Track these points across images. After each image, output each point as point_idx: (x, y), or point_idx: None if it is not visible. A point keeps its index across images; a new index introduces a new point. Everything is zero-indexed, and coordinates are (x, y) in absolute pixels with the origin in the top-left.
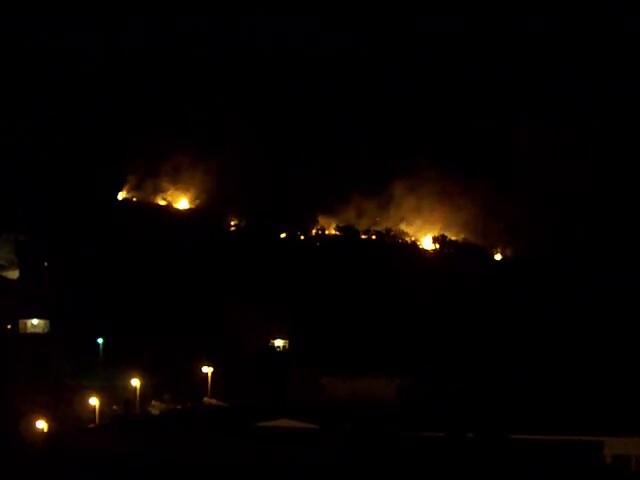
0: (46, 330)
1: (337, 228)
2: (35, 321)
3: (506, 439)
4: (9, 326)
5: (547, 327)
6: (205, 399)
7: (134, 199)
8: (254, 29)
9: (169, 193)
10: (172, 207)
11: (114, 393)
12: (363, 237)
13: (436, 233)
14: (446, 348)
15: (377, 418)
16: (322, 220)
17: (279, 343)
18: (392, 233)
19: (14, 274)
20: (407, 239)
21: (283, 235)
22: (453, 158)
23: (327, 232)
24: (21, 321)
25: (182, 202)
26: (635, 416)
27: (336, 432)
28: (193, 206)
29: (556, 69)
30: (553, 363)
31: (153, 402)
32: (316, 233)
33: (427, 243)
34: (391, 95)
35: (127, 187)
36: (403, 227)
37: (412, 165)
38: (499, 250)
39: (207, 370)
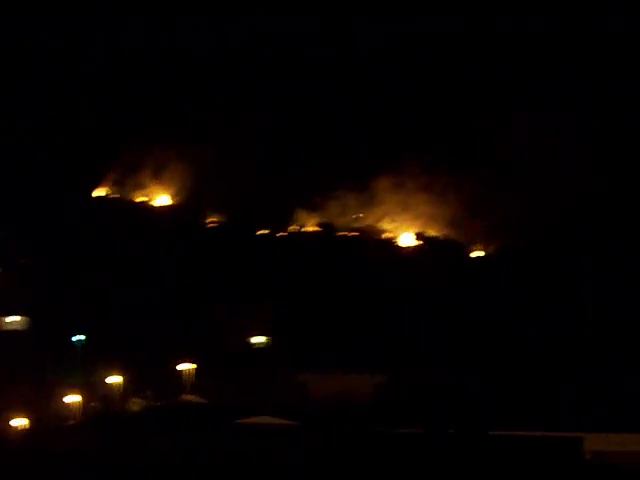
0: (25, 327)
1: (317, 225)
2: (14, 318)
3: (485, 435)
4: None
5: (524, 324)
6: (185, 396)
7: (114, 196)
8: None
9: (149, 190)
10: (151, 204)
11: (94, 390)
12: (342, 234)
13: (418, 230)
14: (424, 345)
15: (357, 415)
16: (303, 217)
17: (260, 340)
18: (372, 230)
19: None
20: (387, 236)
21: (263, 232)
22: (439, 155)
23: (307, 229)
24: (0, 318)
25: (162, 199)
26: (614, 412)
27: (317, 429)
28: (174, 203)
29: (547, 68)
30: (532, 359)
31: (133, 399)
32: (296, 230)
33: (408, 240)
34: (375, 91)
35: (107, 184)
36: (385, 224)
37: (397, 161)
38: (479, 247)
39: (188, 367)
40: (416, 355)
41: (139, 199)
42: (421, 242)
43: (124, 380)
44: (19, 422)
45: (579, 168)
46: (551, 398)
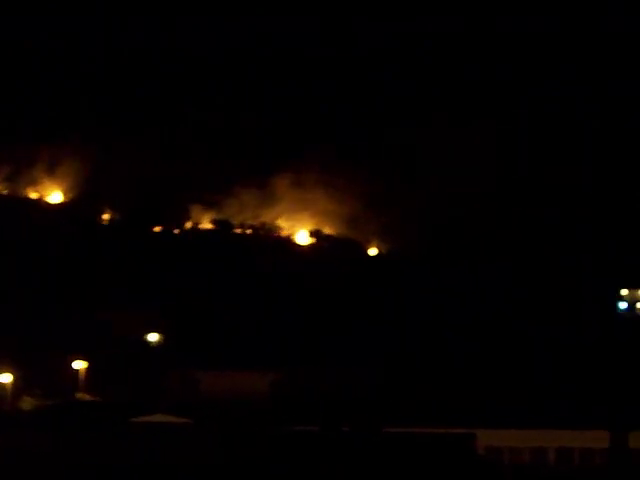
0: None
1: (212, 222)
2: None
3: (379, 432)
4: None
5: (418, 320)
6: (78, 394)
7: (4, 192)
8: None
9: (41, 186)
10: (44, 201)
11: None
12: (238, 231)
13: (314, 227)
14: (318, 342)
15: (250, 412)
16: (199, 214)
17: (153, 338)
18: (267, 227)
19: None
20: (283, 233)
21: (158, 229)
22: (337, 152)
23: (202, 226)
24: None
25: (55, 195)
26: (507, 408)
27: (211, 427)
28: (67, 199)
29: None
30: (426, 356)
31: (24, 397)
32: (191, 227)
33: (303, 237)
34: (277, 90)
35: None
36: (282, 221)
37: (295, 159)
38: (374, 245)
39: (80, 365)
40: (311, 353)
41: (31, 195)
42: (316, 240)
43: (15, 378)
44: None
45: (479, 169)
46: (444, 394)
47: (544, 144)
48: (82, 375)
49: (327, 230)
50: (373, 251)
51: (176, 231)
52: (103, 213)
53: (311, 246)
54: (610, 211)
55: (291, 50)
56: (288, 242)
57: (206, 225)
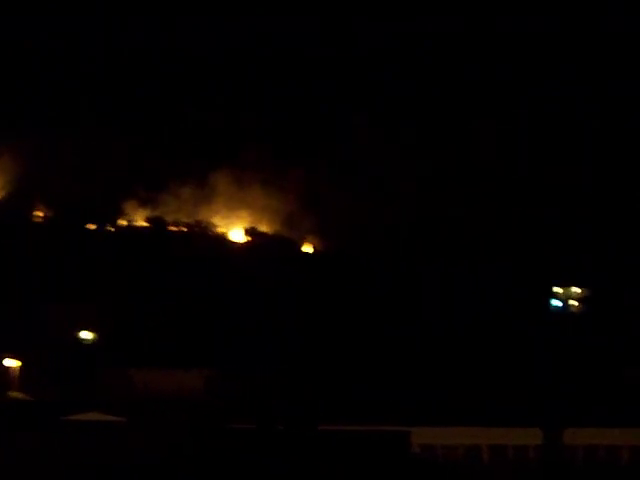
0: None
1: (146, 219)
2: None
3: (314, 430)
4: None
5: (352, 320)
6: (11, 393)
7: None
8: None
9: None
10: None
11: None
12: (173, 229)
13: (250, 225)
14: (254, 340)
15: (185, 410)
16: (133, 210)
17: (87, 336)
18: (202, 224)
19: None
20: (219, 231)
21: (91, 226)
22: (275, 150)
23: (137, 223)
24: None
25: None
26: (441, 405)
27: (144, 425)
28: None
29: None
30: (360, 354)
31: None
32: (125, 224)
33: (238, 235)
34: (220, 85)
35: None
36: (218, 218)
37: (234, 155)
38: (310, 243)
39: (13, 364)
40: (246, 351)
41: None
42: (251, 237)
43: None
44: None
45: (416, 166)
46: (379, 392)
47: (479, 141)
48: (15, 374)
49: (263, 228)
50: (308, 249)
51: (110, 228)
52: (36, 210)
53: (246, 244)
54: (541, 209)
55: (224, 46)
56: (223, 240)
57: (141, 222)
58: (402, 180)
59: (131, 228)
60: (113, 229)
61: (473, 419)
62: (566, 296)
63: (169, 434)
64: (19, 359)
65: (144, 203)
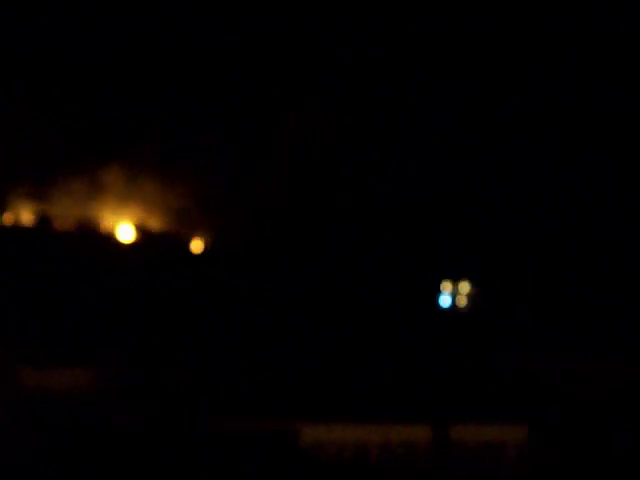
0: None
1: (32, 214)
2: None
3: (202, 428)
4: None
5: (243, 319)
6: None
7: None
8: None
9: None
10: None
11: None
12: (58, 225)
13: (140, 221)
14: (143, 339)
15: (74, 408)
16: (18, 205)
17: None
18: (91, 221)
19: None
20: (107, 227)
21: None
22: (169, 145)
23: (21, 219)
24: None
25: None
26: (332, 402)
27: (31, 424)
28: None
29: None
30: (247, 353)
31: None
32: (9, 220)
33: (127, 232)
34: (109, 78)
35: None
36: (108, 214)
37: (126, 149)
38: (203, 241)
39: None
40: (137, 350)
41: None
42: (141, 234)
43: None
44: None
45: (310, 166)
46: (266, 389)
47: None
48: None
49: (153, 224)
50: (198, 246)
51: None
52: None
53: (134, 241)
54: (430, 202)
55: (114, 41)
56: (111, 236)
57: (25, 218)
58: (297, 177)
59: (15, 224)
60: None
61: (363, 416)
62: (454, 292)
63: (57, 432)
64: None
65: (30, 198)
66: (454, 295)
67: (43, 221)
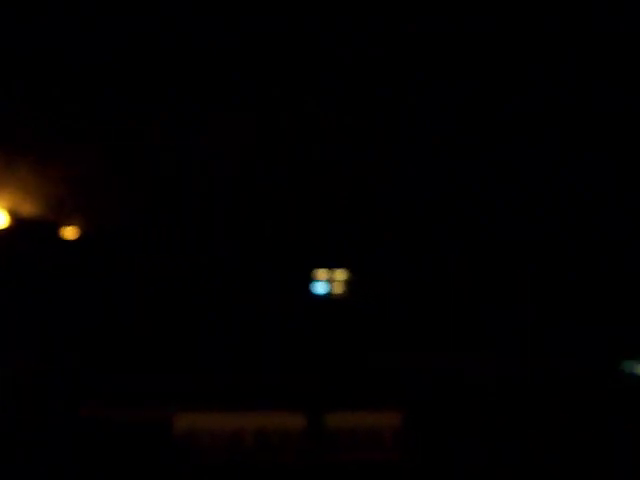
0: None
1: None
2: None
3: (76, 417)
4: None
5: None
6: None
7: None
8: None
9: None
10: None
11: None
12: None
13: (13, 207)
14: (15, 327)
15: None
16: None
17: None
18: None
19: None
20: None
21: None
22: (43, 128)
23: None
24: None
25: None
26: (206, 390)
27: None
28: None
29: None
30: (120, 337)
31: None
32: None
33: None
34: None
35: None
36: None
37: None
38: (76, 226)
39: None
40: (7, 339)
41: None
42: (13, 220)
43: None
44: None
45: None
46: (141, 377)
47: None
48: None
49: (26, 210)
50: (72, 232)
51: None
52: None
53: (7, 226)
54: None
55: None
56: None
57: None
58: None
59: None
60: None
61: (238, 403)
62: (330, 279)
63: None
64: None
65: None
66: (330, 282)
67: None
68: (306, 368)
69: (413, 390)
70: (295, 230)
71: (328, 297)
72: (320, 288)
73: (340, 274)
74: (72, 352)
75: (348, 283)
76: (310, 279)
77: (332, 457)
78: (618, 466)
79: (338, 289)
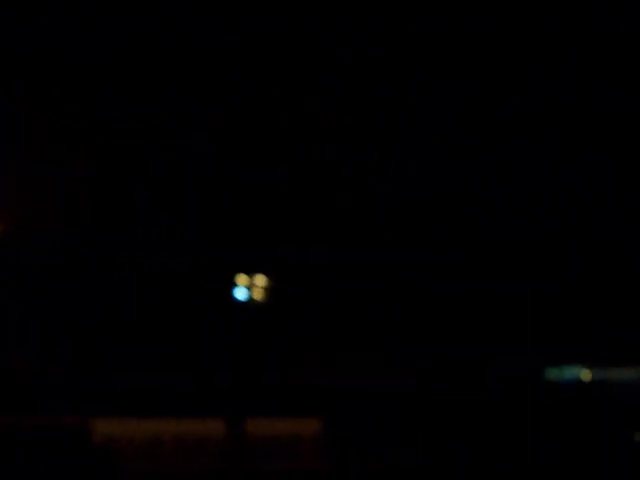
0: None
1: None
2: None
3: None
4: None
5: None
6: None
7: None
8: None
9: None
10: None
11: None
12: None
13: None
14: None
15: None
16: None
17: None
18: None
19: None
20: None
21: None
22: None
23: None
24: None
25: None
26: (125, 396)
27: None
28: None
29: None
30: (34, 343)
31: None
32: None
33: None
34: None
35: None
36: None
37: None
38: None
39: None
40: None
41: None
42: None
43: None
44: None
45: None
46: (58, 384)
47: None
48: None
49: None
50: None
51: None
52: None
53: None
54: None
55: None
56: None
57: None
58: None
59: None
60: None
61: (154, 409)
62: (250, 284)
63: None
64: None
65: None
66: (250, 288)
67: None
68: (227, 374)
69: (332, 398)
70: (219, 237)
71: (249, 302)
72: (241, 293)
73: (260, 279)
74: None
75: (269, 289)
76: (232, 284)
77: (251, 464)
78: (545, 467)
79: (259, 294)
